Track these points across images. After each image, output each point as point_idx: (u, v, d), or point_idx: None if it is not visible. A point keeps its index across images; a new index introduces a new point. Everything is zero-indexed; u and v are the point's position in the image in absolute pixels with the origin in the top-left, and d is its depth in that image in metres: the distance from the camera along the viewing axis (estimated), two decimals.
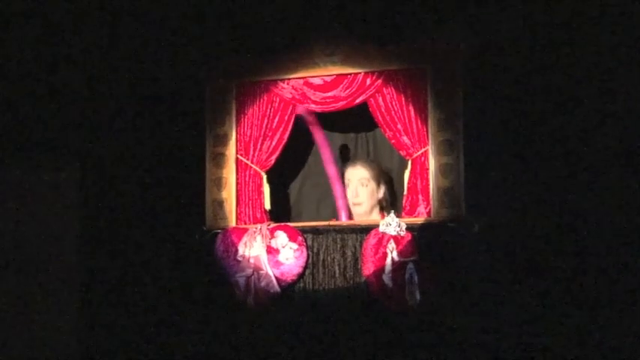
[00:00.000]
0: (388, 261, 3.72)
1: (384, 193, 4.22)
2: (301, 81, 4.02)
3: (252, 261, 3.86)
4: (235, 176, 4.07)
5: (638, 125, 3.90)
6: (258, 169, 4.09)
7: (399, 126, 3.92)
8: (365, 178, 4.13)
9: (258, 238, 3.88)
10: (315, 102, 4.03)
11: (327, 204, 4.42)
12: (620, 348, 3.74)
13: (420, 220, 3.81)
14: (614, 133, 3.93)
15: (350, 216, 4.20)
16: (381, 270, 3.72)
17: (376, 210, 4.19)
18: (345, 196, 4.17)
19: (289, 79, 4.03)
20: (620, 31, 3.92)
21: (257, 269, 3.85)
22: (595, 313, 3.80)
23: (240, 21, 4.18)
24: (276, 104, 4.09)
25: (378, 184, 4.18)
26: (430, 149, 3.83)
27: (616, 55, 3.93)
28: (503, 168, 3.95)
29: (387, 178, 4.30)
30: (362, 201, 4.14)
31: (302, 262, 3.85)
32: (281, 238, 3.87)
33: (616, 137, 3.92)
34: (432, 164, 3.82)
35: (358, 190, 4.13)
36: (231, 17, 4.19)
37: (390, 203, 4.25)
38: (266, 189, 4.09)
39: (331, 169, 4.22)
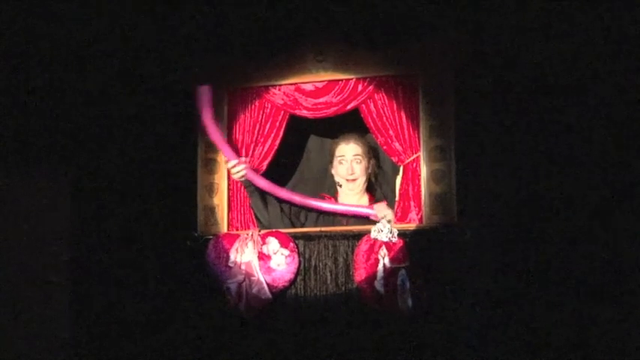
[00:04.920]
0: (380, 267, 3.71)
1: (373, 167, 4.23)
2: (292, 87, 4.02)
3: (243, 267, 3.85)
4: (227, 182, 4.06)
5: (635, 129, 3.90)
6: None
7: (390, 132, 3.92)
8: (359, 154, 4.15)
9: (250, 244, 3.87)
10: (306, 108, 4.02)
11: None
12: (619, 351, 3.74)
13: (411, 226, 3.81)
14: (610, 139, 3.93)
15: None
16: (372, 276, 3.71)
17: (365, 185, 4.21)
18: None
19: (280, 85, 4.03)
20: (615, 37, 3.92)
21: (248, 275, 3.84)
22: (589, 319, 3.80)
23: (231, 27, 4.17)
24: (268, 110, 4.07)
25: (369, 160, 4.20)
26: (422, 155, 3.83)
27: (611, 62, 3.93)
28: (496, 174, 3.95)
29: (375, 152, 4.31)
30: (357, 177, 4.16)
31: (293, 268, 3.84)
32: (272, 244, 3.86)
33: (611, 144, 3.92)
34: (423, 170, 3.82)
35: (354, 166, 4.15)
36: (222, 23, 4.18)
37: (376, 178, 4.29)
38: None
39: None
